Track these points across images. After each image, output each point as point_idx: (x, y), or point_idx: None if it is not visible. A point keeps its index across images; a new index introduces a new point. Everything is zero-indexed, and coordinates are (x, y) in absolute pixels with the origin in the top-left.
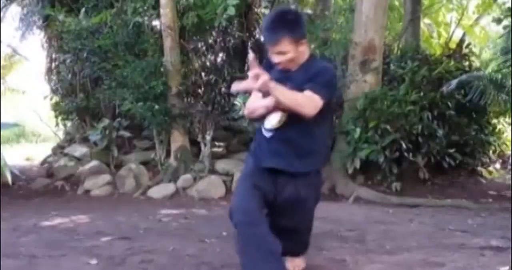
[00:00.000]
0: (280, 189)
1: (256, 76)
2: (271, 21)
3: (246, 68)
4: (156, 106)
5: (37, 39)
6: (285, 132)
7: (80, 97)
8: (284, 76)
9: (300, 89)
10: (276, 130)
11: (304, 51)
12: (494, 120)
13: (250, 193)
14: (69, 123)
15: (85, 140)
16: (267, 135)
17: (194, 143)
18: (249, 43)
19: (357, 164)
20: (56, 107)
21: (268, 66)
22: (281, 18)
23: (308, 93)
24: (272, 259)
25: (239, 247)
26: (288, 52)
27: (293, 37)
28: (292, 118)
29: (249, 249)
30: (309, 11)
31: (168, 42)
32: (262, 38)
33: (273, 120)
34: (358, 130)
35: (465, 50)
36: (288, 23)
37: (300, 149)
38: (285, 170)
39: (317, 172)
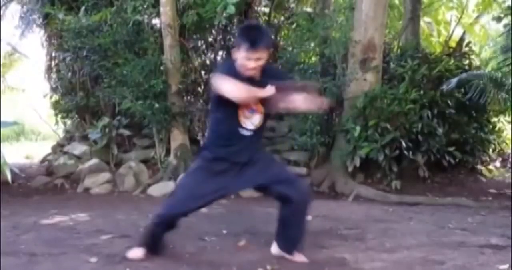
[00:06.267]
0: (246, 169)
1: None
2: (255, 32)
3: None
4: (156, 105)
5: (37, 37)
6: (259, 131)
7: (80, 95)
8: (251, 84)
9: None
10: (254, 130)
11: None
12: (494, 119)
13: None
14: (68, 122)
15: (84, 138)
16: (248, 133)
17: (194, 141)
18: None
19: (357, 162)
20: (55, 105)
21: (233, 74)
22: (261, 30)
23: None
24: None
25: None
26: (263, 59)
27: (268, 47)
28: (265, 119)
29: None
30: (309, 9)
31: (168, 41)
32: (243, 46)
33: (256, 122)
34: (358, 128)
35: (465, 49)
36: (266, 35)
37: (261, 140)
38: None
39: None
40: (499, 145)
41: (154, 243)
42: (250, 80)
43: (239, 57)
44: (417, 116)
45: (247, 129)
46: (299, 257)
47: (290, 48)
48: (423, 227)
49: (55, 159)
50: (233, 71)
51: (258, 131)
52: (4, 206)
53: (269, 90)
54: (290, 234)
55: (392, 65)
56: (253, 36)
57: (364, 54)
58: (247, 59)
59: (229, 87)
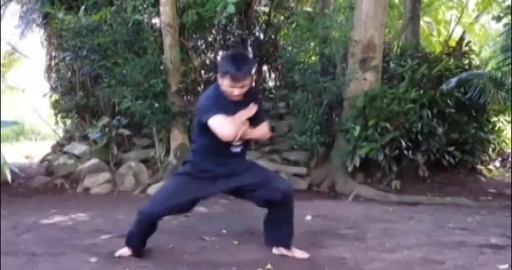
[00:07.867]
0: (234, 177)
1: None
2: (241, 61)
3: None
4: (156, 104)
5: (36, 37)
6: (246, 144)
7: (79, 95)
8: (236, 107)
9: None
10: (242, 144)
11: None
12: (494, 119)
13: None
14: (68, 121)
15: (84, 138)
16: (237, 150)
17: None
18: (249, 41)
19: (357, 162)
20: (55, 105)
21: (221, 102)
22: (246, 59)
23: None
24: None
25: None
26: (246, 85)
27: (251, 73)
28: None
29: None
30: (309, 9)
31: (167, 40)
32: (227, 75)
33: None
34: (357, 128)
35: (464, 48)
36: (250, 63)
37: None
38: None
39: None
40: (499, 145)
41: (137, 243)
42: (234, 103)
43: (223, 84)
44: (417, 116)
45: (236, 146)
46: (298, 253)
47: (290, 48)
48: (423, 226)
49: (55, 158)
50: (218, 97)
51: (242, 148)
52: (4, 206)
53: (252, 109)
54: (284, 230)
55: (392, 64)
56: (237, 65)
57: (364, 53)
58: (232, 87)
59: (221, 131)
